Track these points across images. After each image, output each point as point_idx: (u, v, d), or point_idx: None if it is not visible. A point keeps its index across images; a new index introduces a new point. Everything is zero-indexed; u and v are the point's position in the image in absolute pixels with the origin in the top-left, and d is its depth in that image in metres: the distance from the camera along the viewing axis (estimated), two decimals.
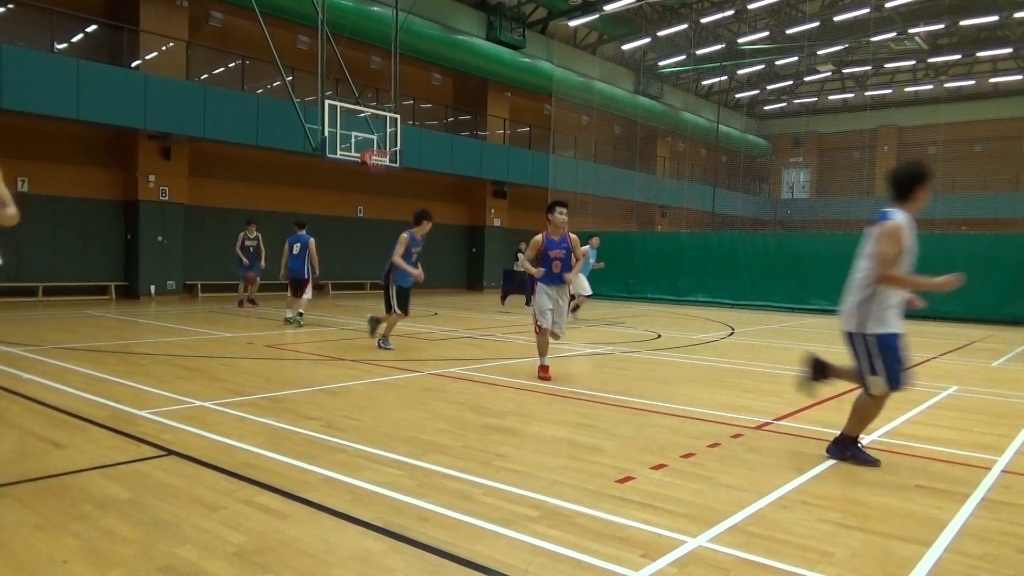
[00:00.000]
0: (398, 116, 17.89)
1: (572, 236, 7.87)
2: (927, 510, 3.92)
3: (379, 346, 9.79)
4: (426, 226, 9.58)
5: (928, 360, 10.26)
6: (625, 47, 31.93)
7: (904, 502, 4.05)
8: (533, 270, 7.87)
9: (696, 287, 21.75)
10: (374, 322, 10.07)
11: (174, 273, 18.87)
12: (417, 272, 9.50)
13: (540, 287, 7.83)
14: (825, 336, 13.50)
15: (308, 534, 3.38)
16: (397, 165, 17.98)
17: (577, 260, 7.94)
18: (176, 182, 18.78)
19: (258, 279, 16.45)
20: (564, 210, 7.85)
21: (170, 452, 4.64)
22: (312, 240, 12.54)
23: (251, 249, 15.89)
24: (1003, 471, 4.71)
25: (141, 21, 17.81)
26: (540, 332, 7.81)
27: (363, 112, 17.29)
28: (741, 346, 11.60)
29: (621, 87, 32.51)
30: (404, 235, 9.51)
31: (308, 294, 12.45)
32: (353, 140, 17.01)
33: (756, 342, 12.22)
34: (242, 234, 15.98)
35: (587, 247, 14.94)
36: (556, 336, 7.92)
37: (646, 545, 3.34)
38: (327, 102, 16.32)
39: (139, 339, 10.47)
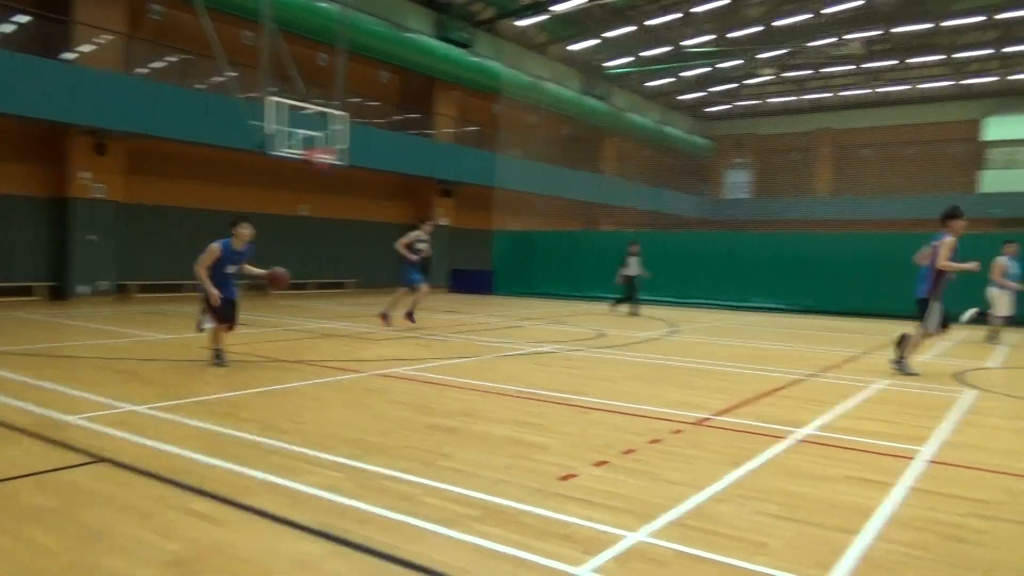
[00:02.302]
0: (346, 114, 17.67)
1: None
2: (857, 500, 4.05)
3: (899, 369, 8.79)
4: (959, 225, 8.58)
5: (860, 355, 10.61)
6: (573, 48, 32.16)
7: (835, 493, 4.18)
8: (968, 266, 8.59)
9: (640, 285, 21.99)
10: (904, 342, 8.93)
11: (107, 273, 18.25)
12: (972, 264, 8.72)
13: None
14: (767, 333, 13.83)
15: (246, 540, 3.31)
16: (343, 163, 17.76)
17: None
18: (111, 179, 18.17)
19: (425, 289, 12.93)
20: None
21: (101, 459, 4.48)
22: None
23: (422, 252, 12.56)
24: (928, 461, 4.90)
25: (75, 12, 17.18)
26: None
27: (308, 109, 17.02)
28: (683, 343, 11.81)
29: (569, 87, 32.73)
30: (949, 239, 8.51)
31: None
32: (298, 137, 16.73)
33: (698, 339, 12.45)
34: (416, 232, 12.54)
35: (1004, 257, 12.50)
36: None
37: (588, 541, 3.37)
38: (271, 98, 16.01)
39: (70, 341, 10.10)
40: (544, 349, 10.44)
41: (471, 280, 25.36)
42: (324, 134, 17.27)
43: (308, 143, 16.95)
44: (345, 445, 4.91)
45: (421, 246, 12.48)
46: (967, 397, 7.36)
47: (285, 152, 16.45)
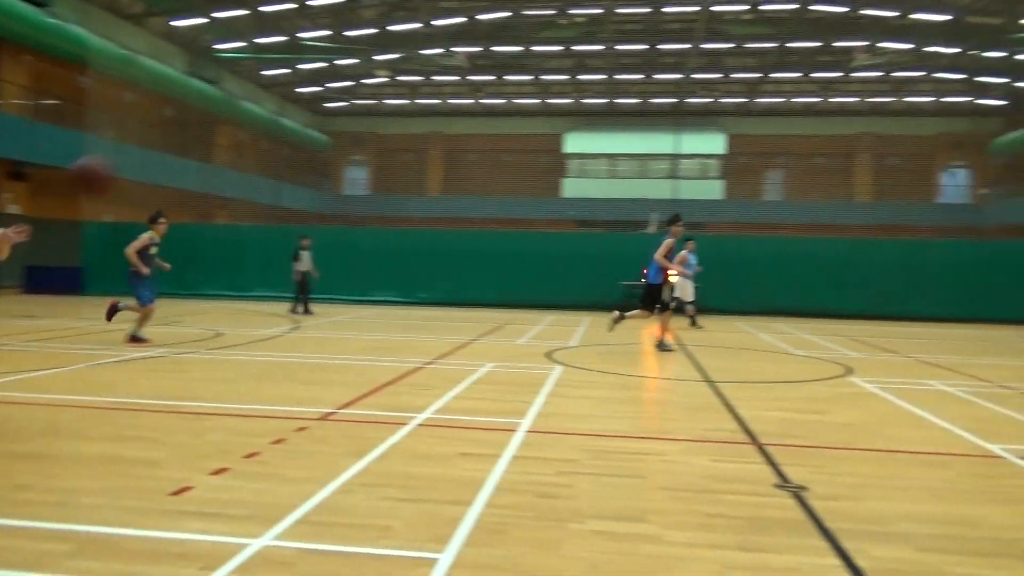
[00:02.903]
0: None
1: None
2: (469, 473, 4.44)
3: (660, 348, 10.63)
4: (676, 229, 10.62)
5: (470, 342, 11.65)
6: (177, 24, 29.51)
7: (451, 469, 4.52)
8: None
9: (258, 282, 21.24)
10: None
11: None
12: (676, 268, 10.97)
13: None
14: (387, 326, 14.37)
15: None
16: None
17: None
18: None
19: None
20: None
21: None
22: None
23: (154, 260, 10.32)
24: (527, 431, 5.58)
25: None
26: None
27: None
28: (306, 339, 11.69)
29: (172, 66, 29.96)
30: (668, 240, 10.43)
31: None
32: None
33: (321, 335, 12.44)
34: (148, 235, 10.20)
35: (684, 252, 14.70)
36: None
37: (206, 556, 3.13)
38: None
39: None
40: (151, 353, 9.43)
41: (54, 279, 21.76)
42: None
43: None
44: None
45: (154, 250, 10.32)
46: (556, 372, 8.56)
47: None
